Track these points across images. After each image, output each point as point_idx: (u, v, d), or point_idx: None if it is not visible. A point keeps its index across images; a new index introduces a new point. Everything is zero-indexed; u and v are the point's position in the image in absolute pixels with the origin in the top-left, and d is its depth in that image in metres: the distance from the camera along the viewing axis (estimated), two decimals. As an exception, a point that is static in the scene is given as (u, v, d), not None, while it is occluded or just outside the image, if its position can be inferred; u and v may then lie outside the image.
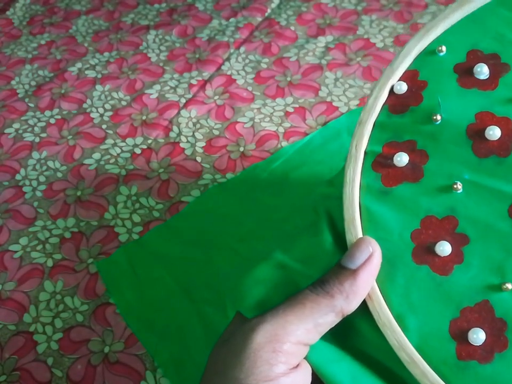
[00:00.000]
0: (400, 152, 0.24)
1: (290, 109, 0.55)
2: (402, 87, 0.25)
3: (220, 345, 0.22)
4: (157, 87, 0.59)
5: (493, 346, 0.21)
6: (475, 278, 0.22)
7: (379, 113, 0.25)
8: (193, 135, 0.54)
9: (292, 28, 0.65)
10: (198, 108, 0.57)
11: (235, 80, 0.59)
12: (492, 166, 0.23)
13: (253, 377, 0.20)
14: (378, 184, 0.24)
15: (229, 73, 0.60)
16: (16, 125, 0.57)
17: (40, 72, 0.63)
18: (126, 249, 0.45)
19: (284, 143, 0.52)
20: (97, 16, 0.71)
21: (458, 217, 0.23)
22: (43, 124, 0.57)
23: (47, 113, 0.58)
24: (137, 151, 0.53)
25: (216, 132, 0.54)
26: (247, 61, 0.61)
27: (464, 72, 0.25)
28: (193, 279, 0.42)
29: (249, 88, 0.58)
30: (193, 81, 0.60)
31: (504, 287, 0.21)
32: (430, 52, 0.26)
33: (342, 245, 0.24)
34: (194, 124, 0.55)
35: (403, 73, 0.26)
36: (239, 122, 0.55)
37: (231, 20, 0.67)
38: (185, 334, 0.40)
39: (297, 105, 0.56)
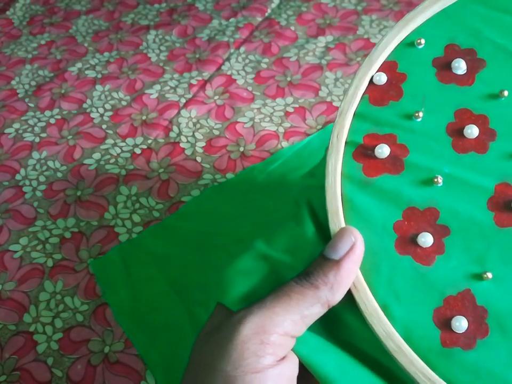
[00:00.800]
0: (381, 144, 0.24)
1: (290, 109, 0.55)
2: (382, 78, 0.26)
3: (203, 338, 0.22)
4: (157, 87, 0.59)
5: (475, 333, 0.21)
6: (457, 267, 0.22)
7: (359, 103, 0.26)
8: (193, 135, 0.54)
9: (292, 28, 0.65)
10: (198, 107, 0.57)
11: (235, 80, 0.59)
12: (471, 161, 0.24)
13: (241, 369, 0.20)
14: (360, 174, 0.24)
15: (229, 73, 0.60)
16: (16, 125, 0.57)
17: (40, 72, 0.63)
18: (120, 248, 0.45)
19: (284, 143, 0.52)
20: (97, 16, 0.71)
21: (440, 209, 0.23)
22: (43, 124, 0.57)
23: (47, 113, 0.58)
24: (137, 151, 0.53)
25: (216, 132, 0.54)
26: (247, 61, 0.61)
27: (443, 67, 0.25)
28: (186, 280, 0.42)
29: (249, 88, 0.58)
30: (193, 81, 0.60)
31: (485, 276, 0.22)
32: (409, 43, 0.26)
33: (324, 235, 0.24)
34: (194, 124, 0.55)
35: (382, 64, 0.26)
36: (239, 122, 0.55)
37: (231, 20, 0.67)
38: (175, 335, 0.40)
39: (297, 105, 0.56)
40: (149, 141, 0.54)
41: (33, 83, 0.62)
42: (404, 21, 0.26)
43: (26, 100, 0.60)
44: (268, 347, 0.20)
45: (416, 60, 0.26)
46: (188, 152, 0.52)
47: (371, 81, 0.26)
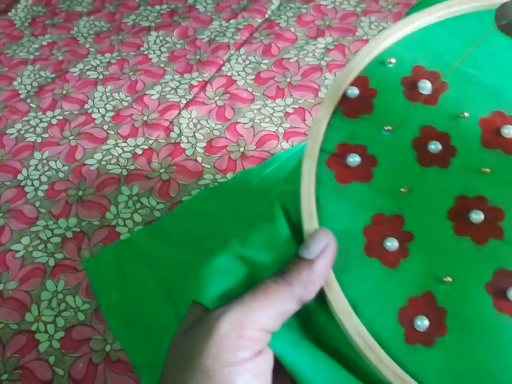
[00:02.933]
0: (352, 154, 0.26)
1: (290, 110, 0.56)
2: (355, 91, 0.27)
3: (180, 335, 0.23)
4: (158, 88, 0.60)
5: (435, 332, 0.23)
6: (420, 271, 0.24)
7: (333, 114, 0.27)
8: (193, 136, 0.54)
9: (292, 29, 0.65)
10: (199, 108, 0.57)
11: (235, 81, 0.59)
12: (434, 174, 0.26)
13: (219, 363, 0.21)
14: (332, 181, 0.26)
15: (229, 74, 0.60)
16: (18, 126, 0.57)
17: (42, 73, 0.64)
18: (113, 248, 0.45)
19: (284, 144, 0.53)
20: (99, 17, 0.72)
21: (405, 217, 0.25)
22: (45, 124, 0.57)
23: (49, 113, 0.58)
24: (139, 151, 0.54)
25: (216, 132, 0.54)
26: (247, 62, 0.62)
27: (410, 86, 0.27)
28: (177, 282, 0.43)
29: (250, 89, 0.58)
30: (194, 82, 0.60)
31: (445, 280, 0.23)
32: (380, 61, 0.28)
33: (297, 236, 0.25)
34: (195, 125, 0.55)
35: (355, 79, 0.28)
36: (239, 122, 0.55)
37: (232, 21, 0.68)
38: (163, 336, 0.40)
39: (297, 106, 0.56)
40: (150, 141, 0.54)
41: (35, 84, 0.62)
42: (377, 40, 0.28)
43: (28, 100, 0.60)
44: (245, 341, 0.21)
45: (386, 77, 0.27)
46: (189, 152, 0.53)
47: (344, 94, 0.27)
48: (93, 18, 0.71)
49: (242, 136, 0.54)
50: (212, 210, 0.48)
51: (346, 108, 0.27)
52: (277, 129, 0.54)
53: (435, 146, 0.26)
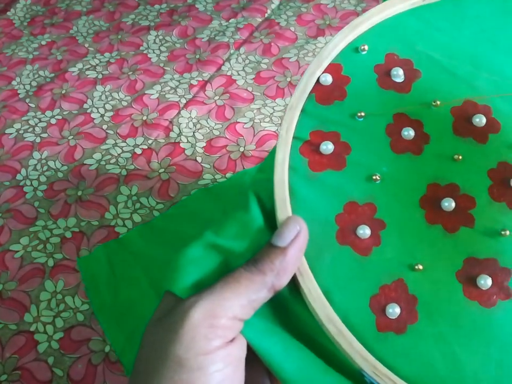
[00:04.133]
0: (326, 141, 0.26)
1: (290, 109, 0.55)
2: (328, 79, 0.27)
3: (153, 324, 0.23)
4: (158, 87, 0.60)
5: (406, 319, 0.23)
6: (391, 259, 0.24)
7: (306, 101, 0.27)
8: (193, 135, 0.54)
9: (292, 29, 0.65)
10: (198, 108, 0.57)
11: (235, 80, 0.59)
12: (407, 161, 0.26)
13: (192, 351, 0.21)
14: (306, 168, 0.26)
15: (229, 73, 0.60)
16: (17, 125, 0.57)
17: (41, 73, 0.64)
18: (106, 247, 0.45)
19: (284, 143, 0.52)
20: (98, 16, 0.71)
21: (377, 205, 0.25)
22: (44, 124, 0.57)
23: (48, 113, 0.58)
24: (138, 151, 0.53)
25: (216, 132, 0.54)
26: (247, 61, 0.62)
27: (383, 74, 0.27)
28: None
29: (249, 89, 0.58)
30: (194, 82, 0.60)
31: (417, 267, 0.24)
32: (353, 48, 0.28)
33: (270, 224, 0.25)
34: (194, 124, 0.55)
35: (328, 65, 0.27)
36: (239, 122, 0.55)
37: (231, 20, 0.68)
38: None
39: (297, 106, 0.56)
40: (150, 141, 0.54)
41: (34, 83, 0.62)
42: (351, 26, 0.28)
43: (27, 100, 0.60)
44: (218, 330, 0.21)
45: (359, 64, 0.27)
46: (188, 152, 0.53)
47: (317, 81, 0.27)
48: (92, 17, 0.71)
49: (242, 136, 0.53)
50: (205, 211, 0.47)
51: (319, 94, 0.27)
52: (277, 129, 0.54)
53: (408, 133, 0.26)
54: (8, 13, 0.73)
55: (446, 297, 0.23)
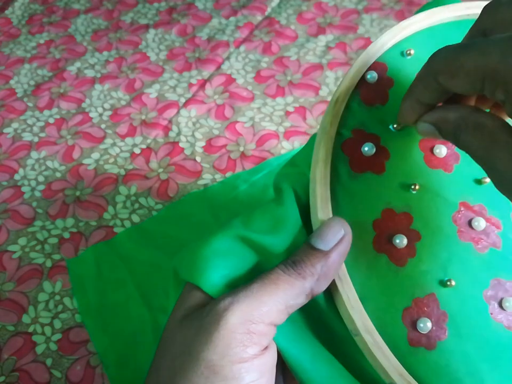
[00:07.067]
0: (368, 142, 0.25)
1: (290, 109, 0.55)
2: (374, 76, 0.26)
3: (180, 320, 0.21)
4: (157, 86, 0.59)
5: (436, 335, 0.23)
6: (425, 272, 0.24)
7: (352, 97, 0.26)
8: (192, 135, 0.54)
9: (292, 27, 0.65)
10: (198, 107, 0.56)
11: (235, 79, 0.59)
12: (440, 177, 0.25)
13: (227, 358, 0.19)
14: (347, 167, 0.25)
15: (228, 72, 0.60)
16: (15, 125, 0.57)
17: (39, 72, 0.63)
18: (95, 249, 0.45)
19: (284, 143, 0.52)
20: (97, 15, 0.71)
21: (413, 215, 0.24)
22: (42, 123, 0.57)
23: (46, 112, 0.58)
24: (137, 150, 0.53)
25: (215, 132, 0.54)
26: (247, 60, 0.61)
27: None
28: (154, 286, 0.42)
29: (249, 88, 0.58)
30: (193, 81, 0.59)
31: (449, 283, 0.23)
32: (399, 50, 0.27)
33: (305, 219, 0.24)
34: (194, 124, 0.55)
35: (373, 63, 0.26)
36: (239, 121, 0.54)
37: (231, 18, 0.67)
38: (136, 340, 0.40)
39: (297, 105, 0.55)
40: (148, 141, 0.54)
41: (32, 82, 0.62)
42: (400, 27, 0.27)
43: (25, 99, 0.60)
44: (254, 337, 0.20)
45: (403, 69, 0.27)
46: (188, 151, 0.52)
47: (362, 77, 0.26)
48: (91, 16, 0.71)
49: (242, 135, 0.53)
50: (196, 215, 0.47)
51: (364, 92, 0.26)
52: (277, 128, 0.53)
53: (440, 150, 0.25)
54: (6, 12, 0.73)
55: (474, 316, 0.23)
